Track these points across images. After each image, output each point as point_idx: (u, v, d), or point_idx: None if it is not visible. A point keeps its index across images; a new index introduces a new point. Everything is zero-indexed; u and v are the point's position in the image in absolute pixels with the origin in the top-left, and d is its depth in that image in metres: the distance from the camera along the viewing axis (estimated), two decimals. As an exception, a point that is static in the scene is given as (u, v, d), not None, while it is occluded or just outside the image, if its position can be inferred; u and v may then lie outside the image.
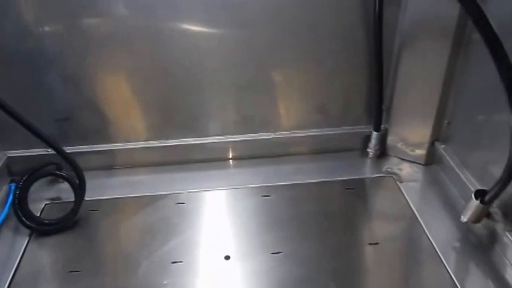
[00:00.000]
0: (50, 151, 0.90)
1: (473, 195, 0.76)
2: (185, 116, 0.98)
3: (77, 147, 0.97)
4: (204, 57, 0.91)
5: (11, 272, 0.75)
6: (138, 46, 0.88)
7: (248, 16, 0.87)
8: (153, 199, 0.92)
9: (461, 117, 0.89)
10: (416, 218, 0.85)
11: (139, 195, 0.93)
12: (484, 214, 0.76)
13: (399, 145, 1.02)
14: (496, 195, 0.70)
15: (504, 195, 0.72)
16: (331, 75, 0.96)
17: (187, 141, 1.00)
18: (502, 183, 0.67)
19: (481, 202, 0.74)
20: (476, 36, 0.77)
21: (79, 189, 0.85)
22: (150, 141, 0.99)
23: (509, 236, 0.73)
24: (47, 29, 0.84)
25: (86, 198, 0.87)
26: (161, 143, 1.00)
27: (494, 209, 0.77)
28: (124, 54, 0.89)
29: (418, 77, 0.91)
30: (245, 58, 0.92)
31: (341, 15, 0.89)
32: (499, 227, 0.75)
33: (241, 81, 0.95)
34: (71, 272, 0.76)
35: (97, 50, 0.87)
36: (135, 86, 0.94)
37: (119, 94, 0.94)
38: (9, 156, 0.96)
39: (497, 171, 0.68)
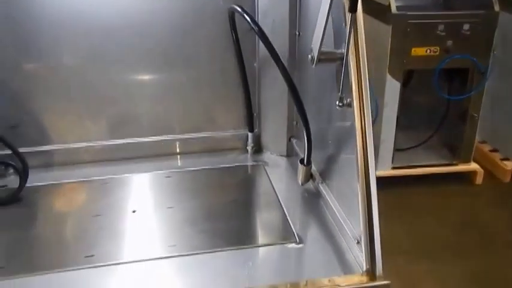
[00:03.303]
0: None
1: (299, 163, 1.14)
2: (110, 122, 1.32)
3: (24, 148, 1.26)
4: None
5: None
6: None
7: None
8: (84, 182, 1.23)
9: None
10: (272, 186, 1.22)
11: (72, 180, 1.24)
12: (308, 174, 1.15)
13: (268, 143, 1.41)
14: (308, 158, 1.09)
15: (315, 160, 1.11)
16: (217, 90, 1.34)
17: (112, 141, 1.33)
18: (308, 148, 1.07)
19: (303, 164, 1.13)
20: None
21: (23, 172, 1.15)
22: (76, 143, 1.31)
23: (320, 186, 1.11)
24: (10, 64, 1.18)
25: (28, 184, 1.17)
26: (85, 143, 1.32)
27: (314, 171, 1.16)
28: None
29: (273, 93, 1.32)
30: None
31: (220, 51, 1.29)
32: (317, 181, 1.13)
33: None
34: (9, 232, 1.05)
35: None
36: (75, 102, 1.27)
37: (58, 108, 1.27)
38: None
39: (321, 150, 1.07)
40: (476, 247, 2.30)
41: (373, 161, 0.85)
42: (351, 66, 0.84)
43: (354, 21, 0.81)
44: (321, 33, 0.88)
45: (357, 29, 0.83)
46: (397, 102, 2.63)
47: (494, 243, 2.32)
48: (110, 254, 0.98)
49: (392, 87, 2.60)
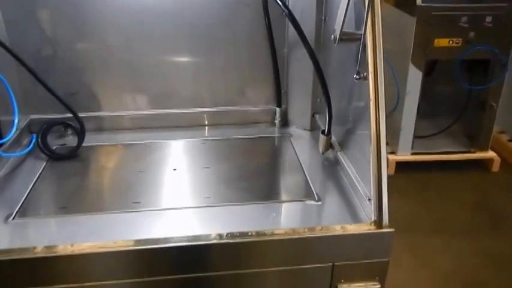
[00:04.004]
0: (58, 116, 1.37)
1: (320, 134, 1.29)
2: (152, 95, 1.49)
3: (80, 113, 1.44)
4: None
5: (32, 181, 1.20)
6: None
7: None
8: (129, 145, 1.41)
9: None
10: (296, 154, 1.37)
11: (119, 143, 1.41)
12: (328, 144, 1.29)
13: (294, 118, 1.55)
14: (329, 128, 1.24)
15: (335, 132, 1.25)
16: (249, 70, 1.49)
17: (154, 111, 1.50)
18: (329, 119, 1.21)
19: (324, 134, 1.27)
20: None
21: (80, 132, 1.33)
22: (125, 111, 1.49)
23: (339, 154, 1.25)
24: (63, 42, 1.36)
25: (84, 144, 1.34)
26: (133, 111, 1.49)
27: (334, 141, 1.30)
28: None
29: (300, 73, 1.46)
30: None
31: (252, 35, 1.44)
32: (336, 150, 1.28)
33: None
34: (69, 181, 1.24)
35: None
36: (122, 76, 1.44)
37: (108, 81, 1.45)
38: (31, 118, 1.43)
39: (340, 123, 1.21)
40: (488, 227, 2.41)
41: (384, 130, 0.98)
42: (368, 44, 0.97)
43: (371, 4, 0.94)
44: (343, 15, 1.02)
45: (374, 11, 0.96)
46: (419, 91, 2.74)
47: (505, 223, 2.43)
48: (153, 201, 1.15)
49: (415, 77, 2.71)
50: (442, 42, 2.66)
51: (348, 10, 1.05)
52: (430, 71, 2.99)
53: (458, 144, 2.98)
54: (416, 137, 2.93)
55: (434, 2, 2.60)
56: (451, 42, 2.66)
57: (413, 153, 2.94)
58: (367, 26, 0.96)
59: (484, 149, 2.95)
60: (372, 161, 0.99)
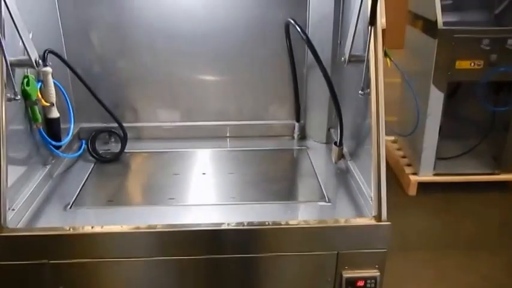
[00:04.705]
0: (104, 125, 1.59)
1: (333, 145, 1.44)
2: (185, 108, 1.69)
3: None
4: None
5: (83, 179, 1.41)
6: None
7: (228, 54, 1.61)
8: (165, 153, 1.60)
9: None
10: (312, 163, 1.52)
11: (156, 150, 1.61)
12: (340, 154, 1.44)
13: (311, 132, 1.71)
14: (340, 139, 1.39)
15: (347, 144, 1.40)
16: (271, 87, 1.67)
17: (186, 123, 1.69)
18: (340, 131, 1.36)
19: (336, 145, 1.42)
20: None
21: (123, 139, 1.53)
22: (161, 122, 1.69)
23: (349, 162, 1.40)
24: (110, 61, 1.59)
25: (125, 150, 1.55)
26: (168, 123, 1.69)
27: (346, 152, 1.45)
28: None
29: (317, 91, 1.62)
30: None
31: (275, 56, 1.62)
32: (347, 159, 1.42)
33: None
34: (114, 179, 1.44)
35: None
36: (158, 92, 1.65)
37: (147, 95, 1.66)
38: (81, 127, 1.65)
39: (351, 135, 1.37)
40: (506, 247, 2.45)
41: (383, 139, 1.11)
42: (371, 65, 1.13)
43: (373, 31, 1.10)
44: (351, 41, 1.18)
45: (376, 37, 1.11)
46: (441, 112, 2.82)
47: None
48: (186, 198, 1.33)
49: (436, 98, 2.80)
50: (463, 64, 2.74)
51: (357, 36, 1.22)
52: (454, 92, 3.07)
53: (482, 166, 3.02)
54: (440, 158, 2.98)
55: (455, 25, 2.70)
56: (472, 64, 2.73)
57: (435, 174, 3.00)
58: (370, 51, 1.12)
59: (508, 170, 2.98)
60: (372, 165, 1.13)
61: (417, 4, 3.02)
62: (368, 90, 1.15)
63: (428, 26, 2.81)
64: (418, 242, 2.54)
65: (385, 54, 2.61)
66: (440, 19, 2.65)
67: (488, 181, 2.93)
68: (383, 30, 2.82)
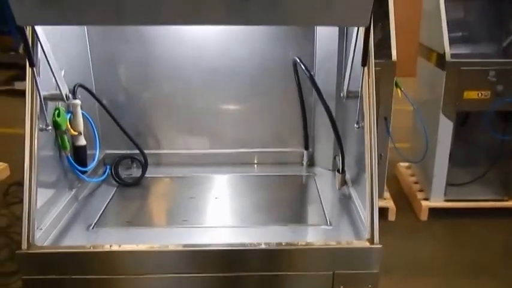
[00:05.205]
0: (127, 151, 1.73)
1: (336, 172, 1.55)
2: (202, 136, 1.83)
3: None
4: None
5: (106, 201, 1.55)
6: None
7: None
8: (182, 178, 1.73)
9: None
10: (317, 189, 1.64)
11: (174, 175, 1.75)
12: (343, 180, 1.55)
13: (319, 159, 1.82)
14: (342, 167, 1.50)
15: (349, 170, 1.51)
16: (281, 118, 1.80)
17: (203, 150, 1.83)
18: (342, 160, 1.47)
19: (339, 172, 1.53)
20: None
21: (144, 165, 1.67)
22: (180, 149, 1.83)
23: (350, 189, 1.51)
24: (133, 91, 1.75)
25: (146, 175, 1.69)
26: (186, 150, 1.83)
27: (348, 179, 1.55)
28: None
29: (324, 122, 1.74)
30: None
31: (285, 90, 1.75)
32: (349, 185, 1.53)
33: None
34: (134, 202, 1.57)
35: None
36: (177, 121, 1.80)
37: (166, 124, 1.81)
38: (106, 153, 1.80)
39: (353, 163, 1.48)
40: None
41: (376, 168, 1.23)
42: (364, 101, 1.25)
43: (365, 71, 1.22)
44: (348, 78, 1.31)
45: (369, 75, 1.24)
46: (450, 140, 2.90)
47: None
48: (198, 220, 1.45)
49: (446, 127, 2.89)
50: (471, 94, 2.83)
51: (356, 72, 1.35)
52: (464, 121, 3.15)
53: (491, 192, 3.07)
54: (450, 184, 3.04)
55: (462, 57, 2.80)
56: (480, 94, 2.83)
57: (446, 200, 3.05)
58: (363, 88, 1.24)
59: (517, 198, 3.01)
60: (366, 191, 1.24)
61: (427, 37, 3.14)
62: (362, 123, 1.26)
63: (437, 58, 2.92)
64: (429, 266, 2.59)
65: (396, 85, 2.74)
66: (448, 52, 2.76)
67: (497, 207, 2.97)
68: (394, 63, 2.95)
